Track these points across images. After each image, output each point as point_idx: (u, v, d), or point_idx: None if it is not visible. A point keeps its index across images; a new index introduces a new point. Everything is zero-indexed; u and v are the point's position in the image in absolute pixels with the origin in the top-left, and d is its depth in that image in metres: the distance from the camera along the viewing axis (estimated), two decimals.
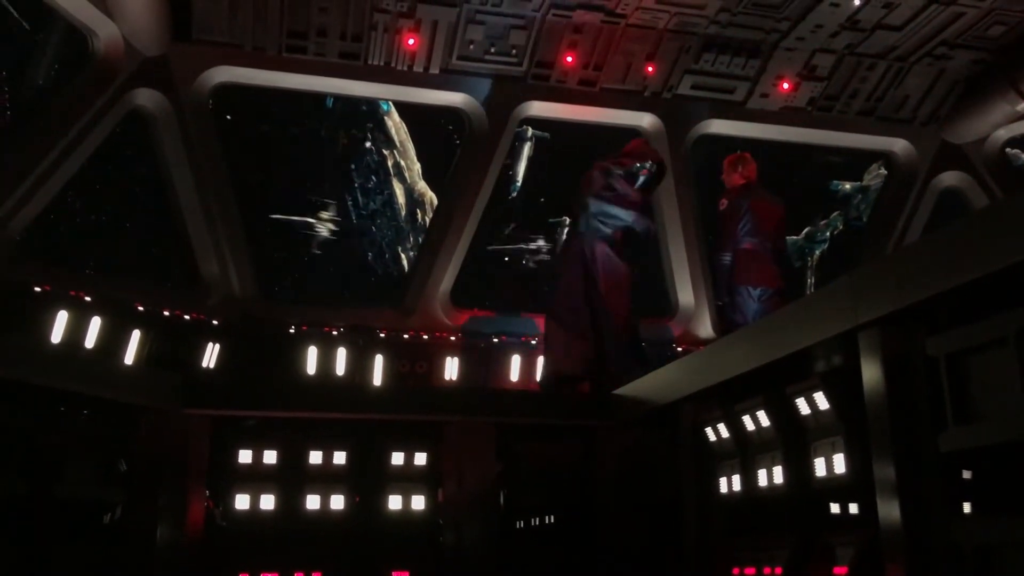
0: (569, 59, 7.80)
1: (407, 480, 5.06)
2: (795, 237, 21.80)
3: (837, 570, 3.18)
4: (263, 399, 4.98)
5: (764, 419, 3.69)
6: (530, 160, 21.50)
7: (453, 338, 7.95)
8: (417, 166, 24.38)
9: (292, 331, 7.64)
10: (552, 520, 5.44)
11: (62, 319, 6.44)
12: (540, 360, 7.18)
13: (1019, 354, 2.47)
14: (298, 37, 7.44)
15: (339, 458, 4.92)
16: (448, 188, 8.51)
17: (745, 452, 3.88)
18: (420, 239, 23.63)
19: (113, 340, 6.66)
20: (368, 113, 23.08)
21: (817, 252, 22.28)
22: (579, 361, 6.39)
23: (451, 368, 7.76)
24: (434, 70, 7.80)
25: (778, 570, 3.51)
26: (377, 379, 7.55)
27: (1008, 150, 9.34)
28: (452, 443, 5.19)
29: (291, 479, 4.81)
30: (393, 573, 4.89)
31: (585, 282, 6.52)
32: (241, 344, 7.35)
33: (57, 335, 6.40)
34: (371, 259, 24.31)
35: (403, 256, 24.69)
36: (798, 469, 3.49)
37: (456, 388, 7.37)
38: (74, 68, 7.14)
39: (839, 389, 3.24)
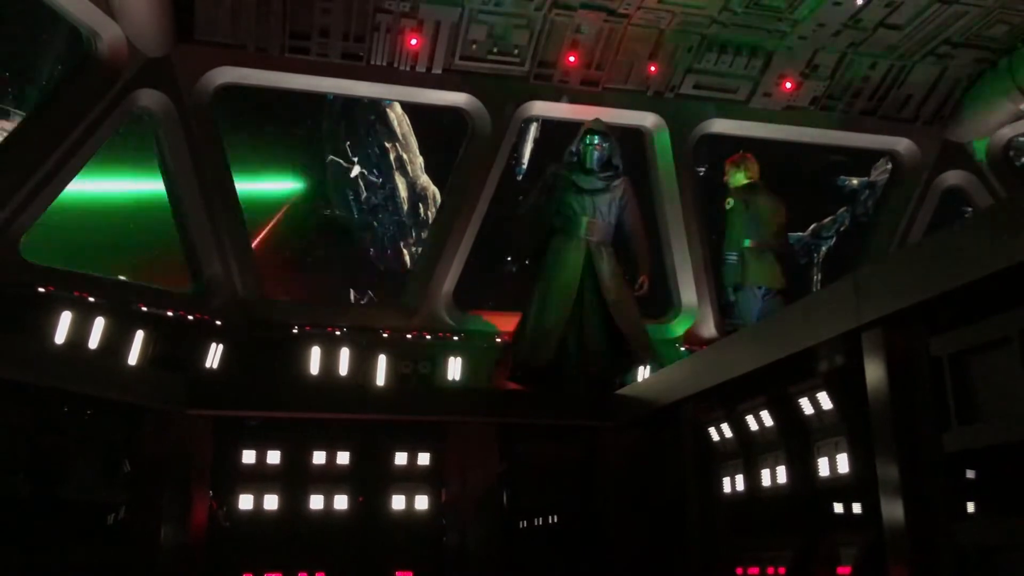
0: (572, 59, 7.80)
1: (410, 480, 5.08)
2: (801, 234, 21.78)
3: (841, 570, 3.18)
4: (266, 400, 4.99)
5: (767, 419, 3.69)
6: (536, 142, 21.47)
7: (456, 338, 7.95)
8: (420, 160, 24.37)
9: (295, 331, 7.64)
10: (555, 520, 5.44)
11: (66, 320, 6.45)
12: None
13: (1022, 354, 2.47)
14: (301, 38, 7.45)
15: (342, 458, 4.94)
16: (451, 188, 8.51)
17: (748, 452, 3.88)
18: (422, 234, 23.72)
19: (117, 341, 6.65)
20: (370, 106, 23.10)
21: (824, 249, 22.26)
22: (544, 356, 6.42)
23: (454, 368, 7.76)
24: (437, 70, 7.80)
25: (781, 570, 3.51)
26: (380, 379, 7.56)
27: (1017, 140, 9.32)
28: (455, 444, 5.20)
29: (294, 480, 4.82)
30: (397, 573, 4.90)
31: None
32: (244, 345, 7.35)
33: (61, 336, 6.41)
34: (373, 254, 24.38)
35: (405, 252, 24.73)
36: (802, 469, 3.49)
37: (459, 388, 7.36)
38: (77, 69, 7.10)
39: (842, 389, 3.24)
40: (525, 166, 21.42)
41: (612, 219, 6.83)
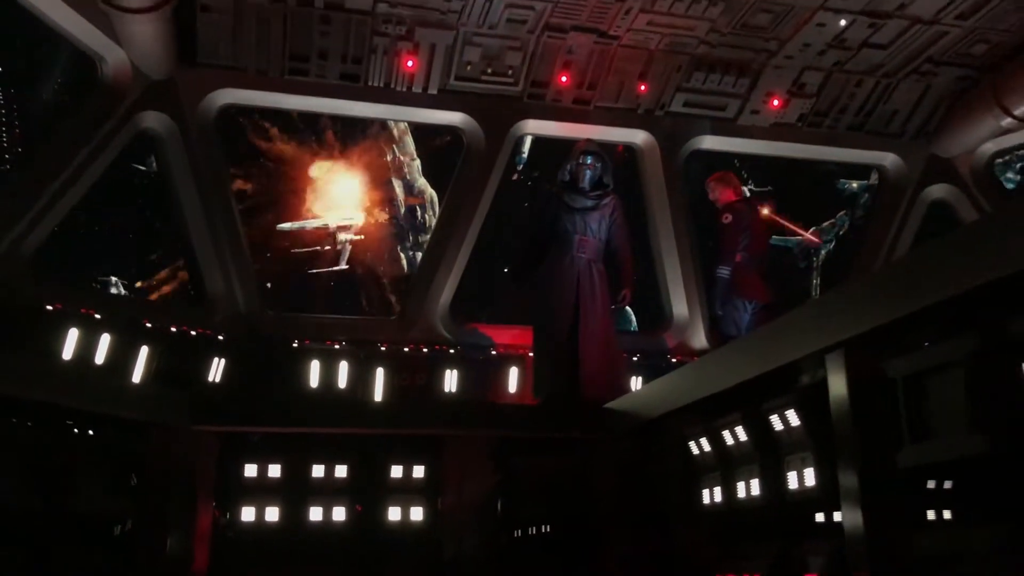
0: (564, 79, 8.02)
1: (407, 492, 5.26)
2: (800, 237, 21.96)
3: None
4: (268, 415, 5.19)
5: (742, 434, 3.89)
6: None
7: (452, 351, 8.16)
8: (417, 162, 24.53)
9: (295, 345, 7.85)
10: (549, 529, 5.62)
11: (73, 336, 6.66)
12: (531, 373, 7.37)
13: (967, 377, 2.67)
14: (300, 60, 7.67)
15: (341, 471, 5.12)
16: (447, 205, 8.73)
17: (726, 465, 4.07)
18: (419, 237, 23.97)
19: (123, 356, 6.87)
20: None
21: (823, 252, 22.39)
22: (564, 376, 6.58)
23: (450, 380, 7.96)
24: (432, 90, 8.02)
25: None
26: (378, 392, 7.76)
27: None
28: (451, 456, 5.38)
29: (295, 492, 5.01)
30: None
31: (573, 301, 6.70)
32: (246, 359, 7.55)
33: (69, 352, 6.62)
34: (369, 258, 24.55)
35: (402, 255, 24.91)
36: (774, 482, 3.68)
37: (454, 402, 7.56)
38: (82, 91, 7.33)
39: (809, 407, 3.43)
40: (526, 155, 21.52)
41: (603, 236, 7.00)
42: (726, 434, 4.01)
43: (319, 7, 7.27)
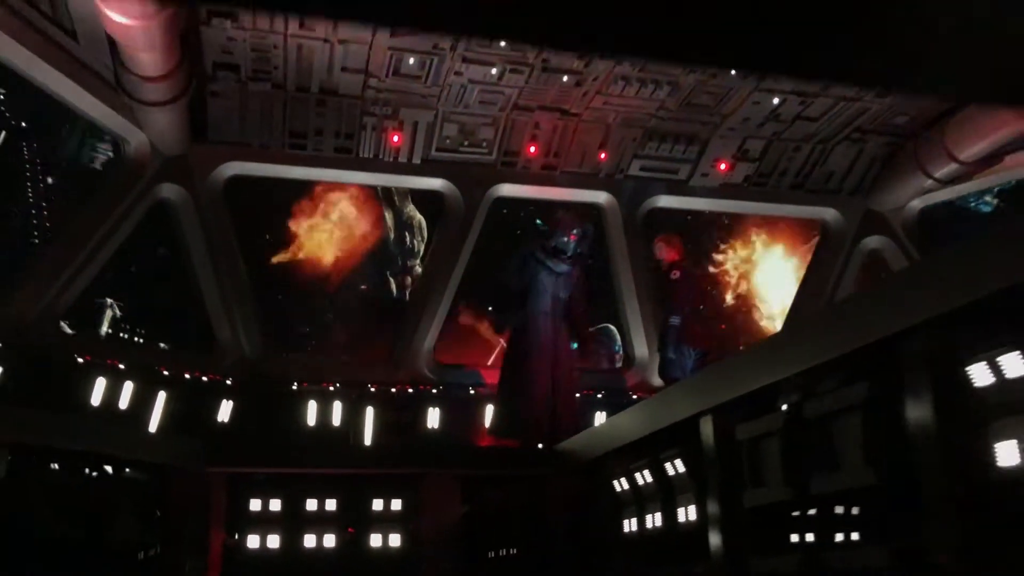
0: (532, 149, 9.04)
1: (388, 521, 6.23)
2: None
3: None
4: (269, 458, 6.17)
5: (648, 476, 4.85)
6: None
7: (435, 390, 9.13)
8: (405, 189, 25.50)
9: (294, 387, 8.83)
10: (514, 552, 6.57)
11: (100, 385, 7.65)
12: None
13: (780, 442, 3.63)
14: (299, 136, 8.70)
15: (331, 504, 6.10)
16: (430, 260, 9.73)
17: (640, 501, 5.03)
18: (408, 263, 25.13)
19: (143, 401, 7.85)
20: None
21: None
22: (528, 419, 7.59)
23: (433, 418, 8.93)
24: (416, 160, 9.05)
25: None
26: (368, 428, 8.72)
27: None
28: (426, 491, 6.36)
29: (292, 523, 5.98)
30: None
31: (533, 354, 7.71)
32: (251, 400, 8.54)
33: (97, 399, 7.60)
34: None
35: (391, 280, 25.91)
36: (670, 517, 4.64)
37: (430, 444, 8.52)
38: (109, 169, 8.37)
39: (690, 458, 4.40)
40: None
41: (566, 295, 8.04)
42: (638, 476, 4.97)
43: (315, 92, 8.30)
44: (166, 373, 8.21)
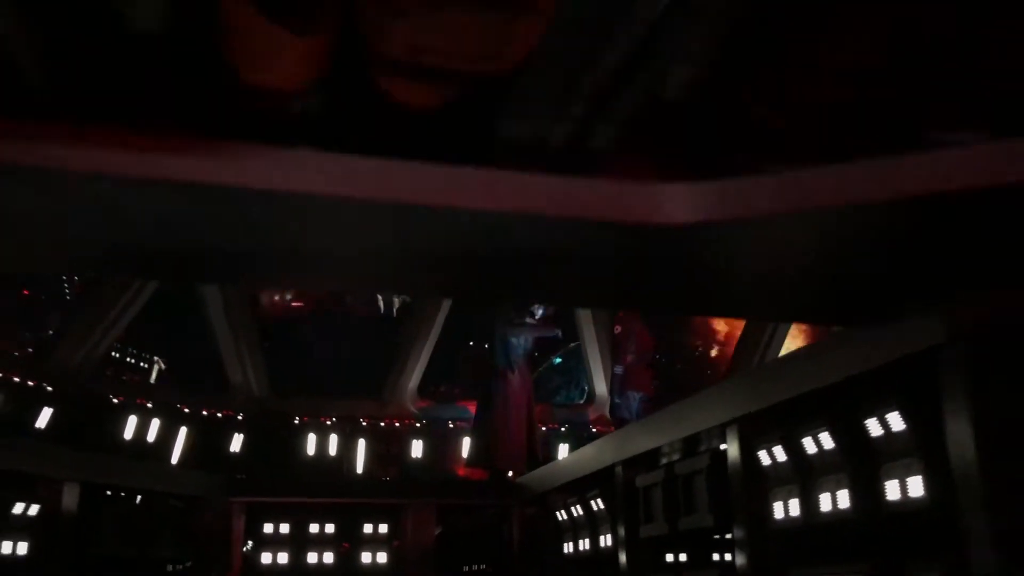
0: None
1: (377, 543, 7.59)
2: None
3: None
4: (280, 490, 7.53)
5: (580, 510, 6.22)
6: None
7: (419, 424, 10.48)
8: None
9: (297, 422, 10.16)
10: (483, 568, 7.93)
11: (131, 423, 8.96)
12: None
13: (663, 493, 5.00)
14: None
15: (330, 528, 7.46)
16: (414, 305, 11.09)
17: (575, 529, 6.40)
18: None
19: (167, 436, 9.16)
20: None
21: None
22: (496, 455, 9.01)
23: (417, 449, 10.26)
24: None
25: None
26: (360, 458, 10.04)
27: None
28: (408, 517, 7.73)
29: (298, 543, 7.34)
30: None
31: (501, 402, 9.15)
32: (260, 434, 9.86)
33: (129, 433, 8.90)
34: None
35: (379, 299, 27.13)
36: (595, 543, 6.01)
37: (413, 473, 9.84)
38: None
39: (607, 497, 5.77)
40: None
41: (531, 345, 9.50)
42: (573, 509, 6.35)
43: None
44: (186, 411, 9.53)
